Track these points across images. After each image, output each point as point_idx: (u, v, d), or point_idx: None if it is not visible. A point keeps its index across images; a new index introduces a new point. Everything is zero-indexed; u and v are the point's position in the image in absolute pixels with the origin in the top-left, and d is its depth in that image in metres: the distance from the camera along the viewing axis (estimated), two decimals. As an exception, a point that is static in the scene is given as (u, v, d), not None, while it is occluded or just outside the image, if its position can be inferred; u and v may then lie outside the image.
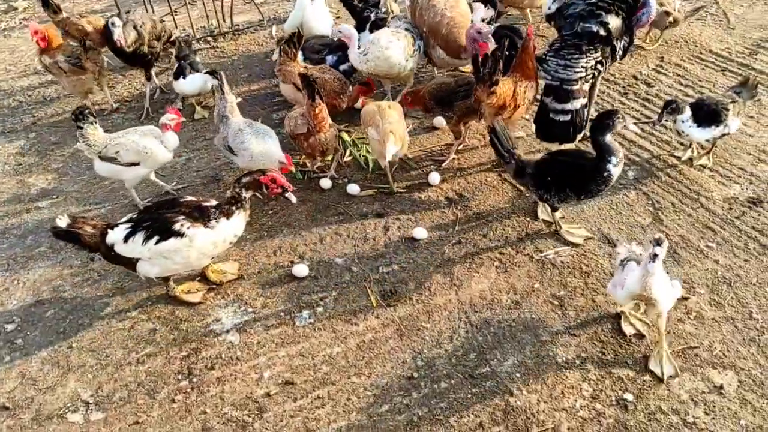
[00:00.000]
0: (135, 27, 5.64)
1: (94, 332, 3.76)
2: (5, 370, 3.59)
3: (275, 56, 5.95)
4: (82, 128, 4.37)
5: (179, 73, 5.55)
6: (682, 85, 5.40)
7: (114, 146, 4.37)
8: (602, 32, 4.11)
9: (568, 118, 4.17)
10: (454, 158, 4.86)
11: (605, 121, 3.63)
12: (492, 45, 4.56)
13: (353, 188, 4.64)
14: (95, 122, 4.43)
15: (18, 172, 5.26)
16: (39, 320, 3.87)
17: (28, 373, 3.56)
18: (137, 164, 4.43)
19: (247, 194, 3.70)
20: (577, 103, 4.15)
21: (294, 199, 3.85)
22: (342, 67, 5.35)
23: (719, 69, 5.59)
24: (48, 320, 3.87)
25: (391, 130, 4.36)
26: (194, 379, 3.44)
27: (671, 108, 4.25)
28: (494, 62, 4.13)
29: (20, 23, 8.15)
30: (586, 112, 4.34)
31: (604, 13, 4.13)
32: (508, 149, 4.04)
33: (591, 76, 4.19)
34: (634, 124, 3.83)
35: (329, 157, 4.83)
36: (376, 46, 4.95)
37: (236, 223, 3.69)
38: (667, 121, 4.34)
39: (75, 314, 3.89)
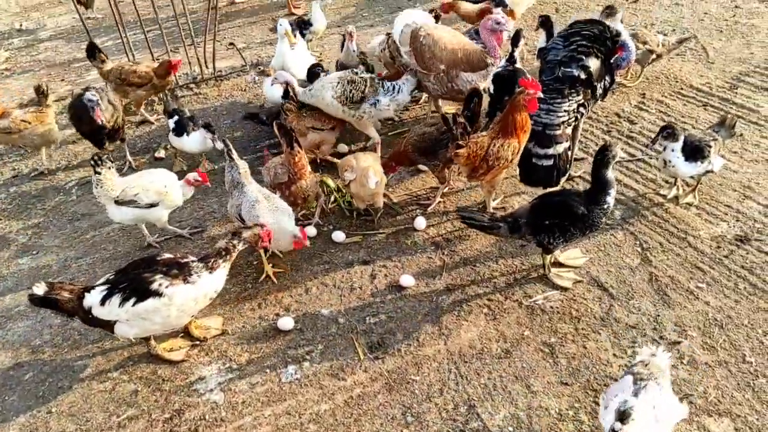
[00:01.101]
0: (108, 99, 5.44)
1: (74, 395, 3.65)
2: (-19, 438, 3.47)
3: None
4: (99, 173, 4.36)
5: (181, 130, 5.30)
6: (664, 121, 5.41)
7: (133, 188, 4.37)
8: (583, 76, 4.12)
9: (551, 162, 4.16)
10: (439, 202, 4.82)
11: (608, 155, 3.64)
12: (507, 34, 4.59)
13: (339, 235, 4.59)
14: (112, 167, 4.43)
15: (-2, 227, 5.18)
16: (17, 384, 3.76)
17: (5, 441, 3.44)
18: (156, 205, 4.43)
19: (240, 246, 3.66)
20: (560, 148, 4.14)
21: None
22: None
23: (701, 104, 5.62)
24: (27, 383, 3.75)
25: (368, 165, 4.42)
26: (177, 443, 3.33)
27: (667, 132, 4.25)
28: (461, 124, 4.10)
29: (1, 73, 8.13)
30: (569, 154, 4.34)
31: (584, 57, 4.14)
32: (489, 219, 3.94)
33: (574, 119, 4.19)
34: (621, 149, 3.80)
35: (313, 204, 4.79)
36: (318, 86, 5.11)
37: (218, 277, 3.62)
38: (660, 146, 4.33)
39: (54, 376, 3.78)
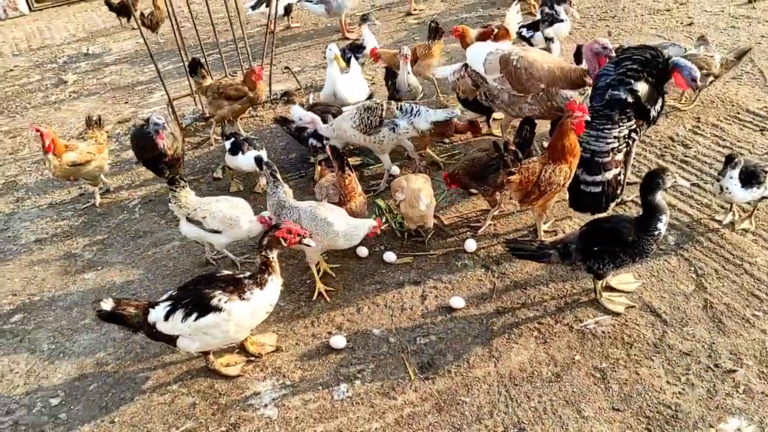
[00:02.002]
0: (170, 131, 5.55)
1: (135, 406, 3.80)
2: (49, 445, 3.64)
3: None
4: (174, 191, 4.59)
5: (237, 149, 5.48)
6: (720, 146, 5.35)
7: (203, 211, 4.55)
8: (631, 99, 4.13)
9: (599, 189, 4.17)
10: (490, 224, 4.86)
11: (655, 180, 3.64)
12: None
13: (390, 256, 4.67)
14: (186, 186, 4.65)
15: (65, 243, 5.44)
16: (82, 394, 3.94)
17: (71, 448, 3.61)
18: (219, 232, 4.57)
19: (272, 254, 3.75)
20: (609, 174, 4.14)
21: (313, 243, 3.89)
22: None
23: (758, 129, 5.53)
24: (91, 394, 3.93)
25: (419, 187, 4.52)
26: (233, 456, 3.44)
27: (735, 163, 4.22)
28: (511, 151, 4.20)
29: (69, 96, 8.54)
30: (621, 179, 4.33)
31: (633, 81, 4.16)
32: (539, 247, 3.97)
33: (625, 144, 4.19)
34: (676, 175, 3.77)
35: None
36: (338, 120, 5.39)
37: (271, 292, 3.72)
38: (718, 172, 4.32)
39: (117, 388, 3.95)
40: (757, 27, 7.37)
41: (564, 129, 4.10)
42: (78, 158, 5.57)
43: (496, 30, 6.49)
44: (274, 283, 3.74)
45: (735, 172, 4.20)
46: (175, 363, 4.05)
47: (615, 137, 4.13)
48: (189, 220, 4.62)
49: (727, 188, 4.25)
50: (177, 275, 4.82)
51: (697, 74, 4.31)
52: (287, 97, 6.08)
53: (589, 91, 4.91)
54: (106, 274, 4.98)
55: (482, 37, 6.44)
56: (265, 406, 3.70)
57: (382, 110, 5.22)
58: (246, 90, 6.26)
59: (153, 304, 3.71)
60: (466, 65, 5.47)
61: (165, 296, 3.76)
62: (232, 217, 4.50)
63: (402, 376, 3.76)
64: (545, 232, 4.65)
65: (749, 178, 4.21)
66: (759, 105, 5.88)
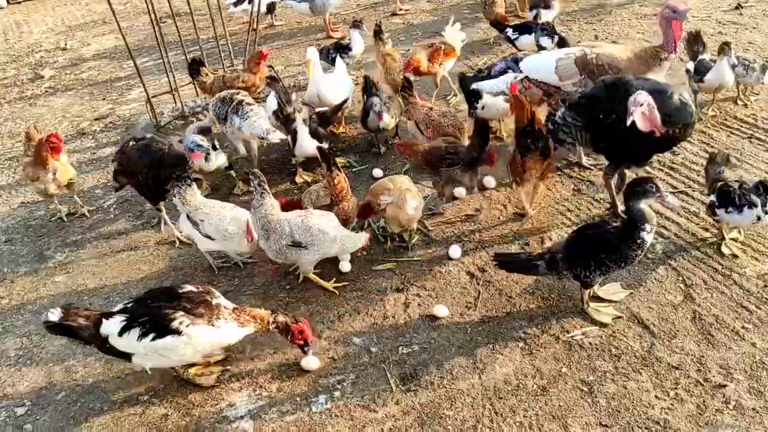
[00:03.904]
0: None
1: (104, 417, 3.65)
2: (13, 457, 3.48)
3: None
4: (180, 187, 4.43)
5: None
6: (707, 152, 5.27)
7: (203, 214, 4.36)
8: None
9: None
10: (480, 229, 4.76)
11: (636, 188, 3.56)
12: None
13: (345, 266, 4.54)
14: (192, 185, 4.47)
15: (36, 244, 5.25)
16: (49, 404, 3.77)
17: (36, 461, 3.44)
18: (212, 239, 4.40)
19: (272, 327, 3.63)
20: None
21: (310, 352, 3.74)
22: None
23: (746, 136, 5.46)
24: (59, 404, 3.77)
25: (407, 188, 4.43)
26: (206, 471, 3.29)
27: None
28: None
29: (45, 91, 8.32)
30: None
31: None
32: (527, 259, 3.92)
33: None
34: (671, 194, 3.64)
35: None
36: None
37: (241, 332, 3.60)
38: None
39: (86, 397, 3.78)
40: (744, 33, 7.33)
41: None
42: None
43: (443, 47, 6.39)
44: (249, 330, 3.62)
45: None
46: (147, 372, 3.89)
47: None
48: (188, 217, 4.46)
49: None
50: (152, 279, 4.67)
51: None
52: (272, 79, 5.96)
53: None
54: (78, 276, 4.81)
55: (432, 58, 6.29)
56: (241, 418, 3.56)
57: (230, 104, 5.49)
58: (252, 80, 6.15)
59: (106, 315, 3.54)
60: (526, 78, 5.26)
61: (119, 307, 3.60)
62: (228, 231, 4.30)
63: (383, 388, 3.64)
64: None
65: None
66: (747, 112, 5.82)
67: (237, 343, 3.69)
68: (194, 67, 6.40)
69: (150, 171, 4.74)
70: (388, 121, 5.65)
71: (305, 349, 3.65)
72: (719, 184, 4.13)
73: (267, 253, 4.31)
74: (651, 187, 3.52)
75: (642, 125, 3.99)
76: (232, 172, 5.41)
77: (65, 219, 5.51)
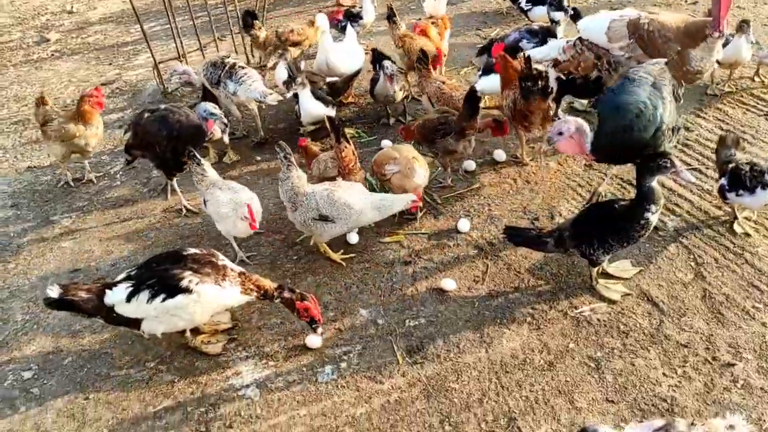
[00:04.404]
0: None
1: (111, 383, 3.65)
2: (20, 420, 3.49)
3: (270, 63, 6.24)
4: (186, 163, 4.43)
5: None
6: (722, 130, 5.20)
7: (209, 192, 4.27)
8: None
9: None
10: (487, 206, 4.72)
11: (650, 164, 3.47)
12: None
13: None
14: (201, 163, 4.34)
15: (43, 209, 5.23)
16: (56, 368, 3.78)
17: (43, 425, 3.45)
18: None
19: (277, 301, 3.62)
20: None
21: (319, 331, 3.68)
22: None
23: (762, 114, 5.37)
24: (65, 369, 3.77)
25: (413, 156, 4.41)
26: (212, 438, 3.30)
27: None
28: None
29: (51, 55, 8.23)
30: None
31: None
32: (537, 234, 3.88)
33: None
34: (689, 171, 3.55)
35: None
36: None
37: (242, 298, 3.59)
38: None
39: (93, 363, 3.79)
40: (763, 8, 7.18)
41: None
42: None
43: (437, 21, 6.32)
44: (249, 298, 3.61)
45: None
46: (154, 339, 3.88)
47: None
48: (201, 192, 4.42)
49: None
50: (159, 246, 4.65)
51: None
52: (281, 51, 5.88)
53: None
54: (85, 242, 4.79)
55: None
56: (247, 386, 3.56)
57: (222, 69, 5.47)
58: (306, 33, 6.18)
59: (109, 285, 3.52)
60: (579, 39, 5.14)
61: (121, 276, 3.58)
62: (221, 212, 4.17)
63: (390, 360, 3.63)
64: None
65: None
66: (764, 90, 5.72)
67: (242, 310, 3.68)
68: (247, 20, 6.32)
69: (169, 143, 4.66)
70: (398, 89, 5.58)
71: (313, 326, 3.63)
72: (730, 166, 4.07)
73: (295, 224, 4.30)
74: (666, 162, 3.45)
75: (566, 150, 4.25)
76: (225, 139, 5.29)
77: (72, 184, 5.48)
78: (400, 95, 5.67)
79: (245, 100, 5.51)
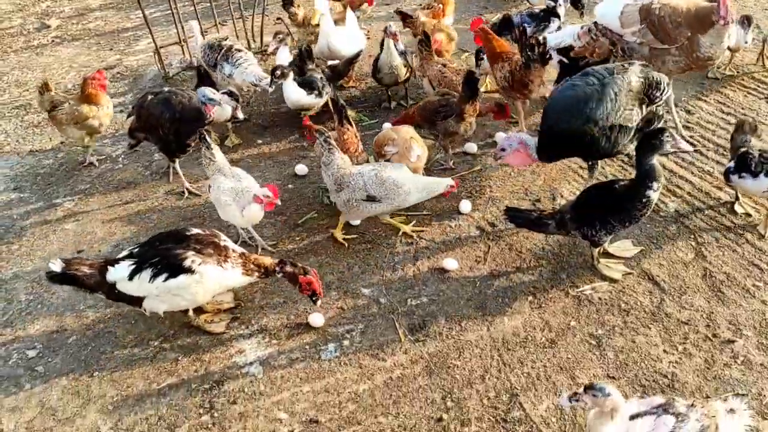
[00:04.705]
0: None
1: (116, 361, 3.68)
2: (25, 398, 3.51)
3: (271, 48, 6.16)
4: (203, 143, 4.36)
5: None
6: (723, 112, 5.21)
7: (214, 178, 4.26)
8: None
9: None
10: (488, 189, 4.73)
11: (651, 141, 3.46)
12: None
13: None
14: (211, 147, 4.30)
15: (46, 192, 5.24)
16: (61, 347, 3.80)
17: (48, 402, 3.48)
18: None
19: (278, 275, 3.63)
20: None
21: (319, 303, 3.70)
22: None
23: (763, 96, 5.38)
24: (70, 347, 3.79)
25: (411, 137, 4.44)
26: (216, 414, 3.33)
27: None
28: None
29: (52, 41, 8.22)
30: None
31: None
32: (538, 215, 3.86)
33: None
34: (687, 142, 3.55)
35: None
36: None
37: (244, 279, 3.61)
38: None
39: (97, 341, 3.81)
40: (764, -7, 7.18)
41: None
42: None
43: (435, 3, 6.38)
44: (250, 279, 3.62)
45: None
46: (158, 317, 3.91)
47: None
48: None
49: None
50: (161, 228, 4.65)
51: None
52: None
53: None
54: (87, 224, 4.81)
55: (435, 17, 6.35)
56: (250, 364, 3.59)
57: (219, 51, 5.57)
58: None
59: (111, 262, 3.54)
60: (594, 24, 5.12)
61: (124, 253, 3.60)
62: (226, 202, 4.13)
63: (392, 338, 3.65)
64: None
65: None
66: (765, 73, 5.72)
67: (244, 290, 3.69)
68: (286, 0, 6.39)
69: (172, 125, 4.69)
70: (402, 68, 5.59)
71: (314, 299, 3.65)
72: (741, 150, 4.06)
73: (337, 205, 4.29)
74: (667, 138, 3.44)
75: (514, 163, 4.39)
76: (239, 115, 5.25)
77: (96, 164, 5.53)
78: (403, 72, 5.63)
79: (241, 83, 5.52)
